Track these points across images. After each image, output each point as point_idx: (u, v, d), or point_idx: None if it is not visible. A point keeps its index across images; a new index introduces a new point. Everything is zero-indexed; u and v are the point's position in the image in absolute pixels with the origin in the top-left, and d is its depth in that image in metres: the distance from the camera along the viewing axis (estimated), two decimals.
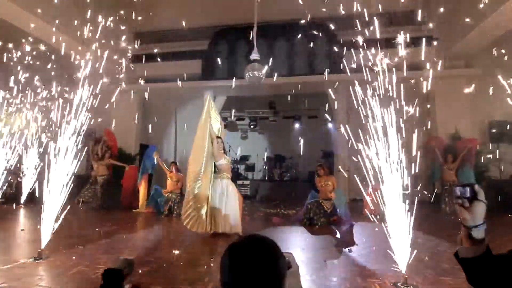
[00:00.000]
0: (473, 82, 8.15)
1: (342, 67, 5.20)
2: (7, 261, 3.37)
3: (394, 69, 3.41)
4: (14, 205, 7.26)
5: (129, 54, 9.59)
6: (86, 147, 7.68)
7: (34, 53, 6.77)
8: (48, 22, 6.92)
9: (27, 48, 6.83)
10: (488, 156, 7.69)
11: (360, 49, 3.95)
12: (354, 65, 4.57)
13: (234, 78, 9.18)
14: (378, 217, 3.31)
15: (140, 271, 3.16)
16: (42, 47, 6.85)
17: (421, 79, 4.42)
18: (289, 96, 10.19)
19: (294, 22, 8.44)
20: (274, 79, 7.83)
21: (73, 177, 3.85)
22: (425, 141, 7.95)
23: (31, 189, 7.36)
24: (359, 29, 4.16)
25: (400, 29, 4.04)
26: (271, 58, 8.52)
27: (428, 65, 4.71)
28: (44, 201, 3.66)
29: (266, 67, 6.70)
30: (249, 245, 0.83)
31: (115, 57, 8.99)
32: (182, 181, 7.35)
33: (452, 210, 7.00)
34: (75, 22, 7.10)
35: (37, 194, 6.54)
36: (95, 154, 8.29)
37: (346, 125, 3.69)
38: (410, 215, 2.94)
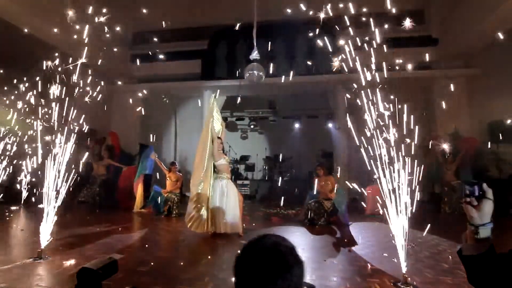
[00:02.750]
0: (473, 82, 8.16)
1: (342, 67, 5.20)
2: (7, 261, 3.36)
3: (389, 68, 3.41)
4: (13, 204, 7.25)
5: (130, 53, 9.61)
6: (86, 147, 7.71)
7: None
8: (45, 20, 6.90)
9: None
10: (488, 156, 7.68)
11: (356, 49, 3.94)
12: (353, 65, 4.56)
13: (234, 78, 9.19)
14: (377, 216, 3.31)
15: (140, 271, 3.16)
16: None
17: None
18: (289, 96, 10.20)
19: (294, 21, 8.46)
20: (274, 80, 7.84)
21: (72, 177, 3.85)
22: (426, 141, 7.93)
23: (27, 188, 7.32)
24: (359, 28, 4.15)
25: (401, 29, 4.05)
26: (271, 58, 8.52)
27: (428, 65, 4.71)
28: (43, 201, 3.66)
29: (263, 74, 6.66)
30: (261, 247, 0.79)
31: (115, 57, 9.00)
32: (181, 181, 7.34)
33: (451, 210, 7.00)
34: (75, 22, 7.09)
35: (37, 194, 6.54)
36: (96, 155, 8.30)
37: (346, 125, 3.67)
38: (410, 215, 2.94)
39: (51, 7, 6.74)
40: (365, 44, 3.58)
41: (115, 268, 1.08)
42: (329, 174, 6.34)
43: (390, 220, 3.04)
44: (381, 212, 3.14)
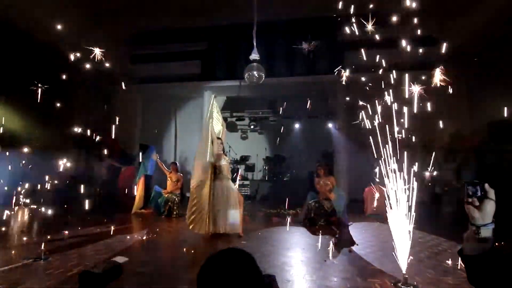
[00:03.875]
0: (473, 81, 8.15)
1: (342, 67, 5.21)
2: (7, 262, 3.36)
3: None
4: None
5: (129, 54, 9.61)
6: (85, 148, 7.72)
7: None
8: (46, 20, 6.90)
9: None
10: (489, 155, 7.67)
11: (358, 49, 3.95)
12: (354, 65, 4.57)
13: (234, 79, 9.20)
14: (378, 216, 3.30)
15: (140, 272, 3.16)
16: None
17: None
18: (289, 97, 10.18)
19: (294, 21, 8.46)
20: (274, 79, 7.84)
21: (72, 178, 3.85)
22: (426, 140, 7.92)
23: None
24: (360, 28, 4.16)
25: (401, 29, 4.05)
26: (271, 58, 8.53)
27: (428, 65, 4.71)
28: (43, 202, 3.67)
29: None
30: (222, 262, 0.84)
31: (115, 57, 8.98)
32: (182, 181, 7.33)
33: (452, 210, 6.99)
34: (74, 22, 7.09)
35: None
36: (96, 155, 8.30)
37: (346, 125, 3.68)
38: (410, 215, 2.94)
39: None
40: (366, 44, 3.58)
41: (119, 271, 1.07)
42: (329, 174, 6.34)
43: (391, 220, 3.04)
44: (385, 213, 3.12)
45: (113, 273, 1.05)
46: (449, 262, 3.48)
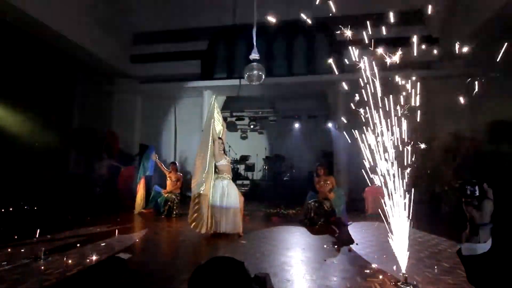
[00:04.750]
0: (473, 81, 8.15)
1: (342, 67, 5.21)
2: (7, 262, 3.36)
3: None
4: None
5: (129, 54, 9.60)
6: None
7: None
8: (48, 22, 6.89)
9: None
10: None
11: (355, 48, 3.95)
12: (354, 64, 4.55)
13: (234, 78, 9.21)
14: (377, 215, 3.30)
15: (140, 272, 3.16)
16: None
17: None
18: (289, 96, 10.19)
19: (294, 21, 8.43)
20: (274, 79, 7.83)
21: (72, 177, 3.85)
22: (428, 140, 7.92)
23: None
24: (359, 28, 4.15)
25: (400, 29, 4.05)
26: (271, 57, 8.53)
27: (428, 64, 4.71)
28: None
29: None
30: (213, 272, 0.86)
31: (115, 57, 8.99)
32: (182, 181, 7.34)
33: (451, 209, 7.00)
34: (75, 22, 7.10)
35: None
36: (97, 154, 8.31)
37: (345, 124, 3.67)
38: (410, 214, 2.94)
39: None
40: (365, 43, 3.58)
41: (124, 267, 1.08)
42: (329, 174, 6.35)
43: (390, 220, 3.04)
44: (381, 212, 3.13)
45: (118, 268, 1.06)
46: (449, 261, 3.48)
